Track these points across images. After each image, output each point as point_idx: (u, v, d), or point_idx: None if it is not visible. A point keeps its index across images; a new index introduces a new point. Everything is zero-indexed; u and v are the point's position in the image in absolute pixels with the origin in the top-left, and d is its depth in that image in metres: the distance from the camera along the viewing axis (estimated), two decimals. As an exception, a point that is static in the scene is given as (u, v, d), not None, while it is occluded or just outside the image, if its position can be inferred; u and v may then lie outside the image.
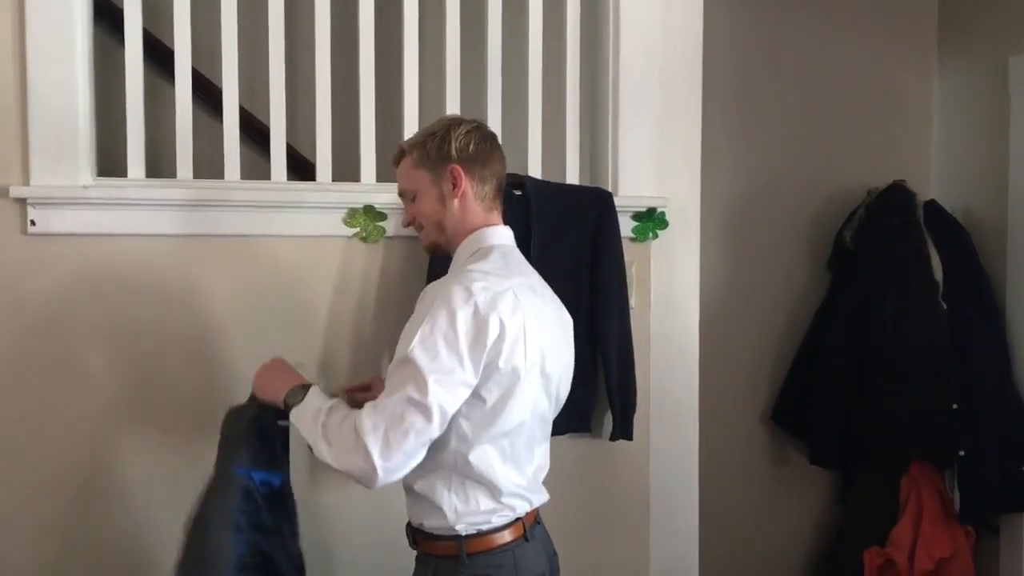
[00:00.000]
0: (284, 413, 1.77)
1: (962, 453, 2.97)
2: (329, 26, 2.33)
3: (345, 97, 2.39)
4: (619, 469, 2.50)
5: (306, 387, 1.76)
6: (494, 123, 2.42)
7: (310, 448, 1.67)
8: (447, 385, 1.59)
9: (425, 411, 1.57)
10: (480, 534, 1.70)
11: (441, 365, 1.58)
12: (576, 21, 2.50)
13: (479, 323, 1.61)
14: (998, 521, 3.12)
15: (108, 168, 2.32)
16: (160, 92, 2.51)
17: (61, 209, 2.13)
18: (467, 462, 1.66)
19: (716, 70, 2.74)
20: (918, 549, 2.98)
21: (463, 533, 1.68)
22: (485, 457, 1.67)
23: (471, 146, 1.76)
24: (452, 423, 1.64)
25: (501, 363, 1.64)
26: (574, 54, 2.50)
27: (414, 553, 1.81)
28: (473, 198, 1.77)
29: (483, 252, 1.75)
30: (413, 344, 1.59)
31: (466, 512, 1.68)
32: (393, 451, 1.57)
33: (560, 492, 2.33)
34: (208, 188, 2.23)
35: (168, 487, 2.20)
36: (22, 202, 2.11)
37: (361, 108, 2.36)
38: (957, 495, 3.04)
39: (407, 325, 1.67)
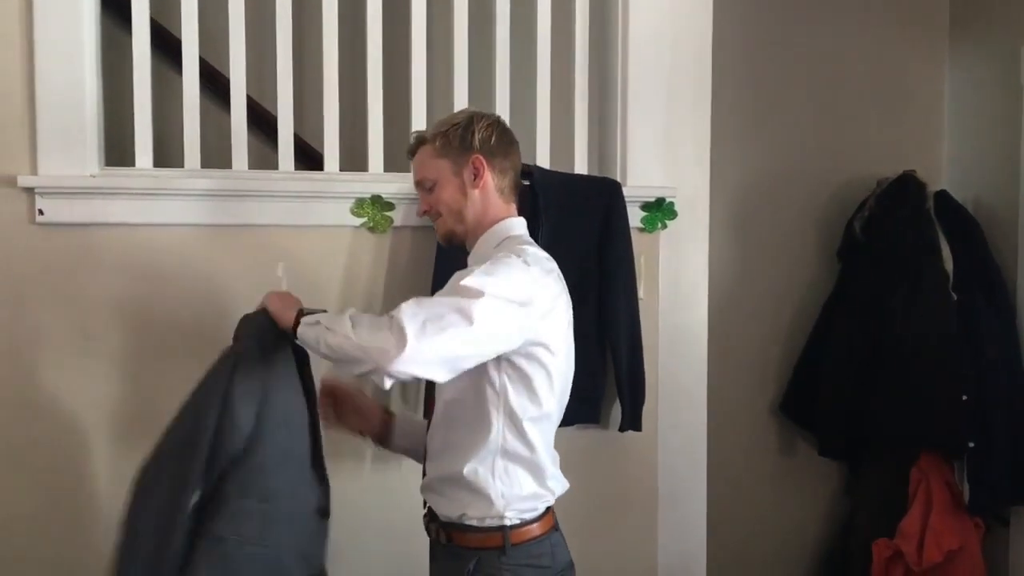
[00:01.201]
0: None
1: (972, 444, 2.96)
2: (337, 16, 2.32)
3: (353, 87, 2.39)
4: (627, 459, 2.50)
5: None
6: (502, 113, 2.41)
7: (327, 331, 1.58)
8: (498, 309, 1.58)
9: (468, 317, 1.54)
10: (523, 523, 1.71)
11: (497, 290, 1.58)
12: (585, 9, 2.49)
13: (535, 287, 1.65)
14: (1008, 513, 3.11)
15: (115, 158, 2.31)
16: (168, 82, 2.51)
17: (69, 198, 2.13)
18: (512, 441, 1.68)
19: (726, 59, 2.73)
20: (927, 541, 2.97)
21: (508, 523, 1.69)
22: (528, 437, 1.69)
23: (493, 138, 1.78)
24: (498, 401, 1.67)
25: (547, 340, 1.67)
26: (582, 43, 2.49)
27: (422, 546, 1.81)
28: (493, 189, 1.79)
29: (515, 240, 1.77)
30: (467, 277, 1.59)
31: (512, 496, 1.69)
32: (426, 338, 1.51)
33: (569, 481, 2.34)
34: (215, 178, 2.23)
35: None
36: (30, 191, 2.12)
37: (369, 98, 2.35)
38: (966, 486, 3.03)
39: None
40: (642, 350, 2.42)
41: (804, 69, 3.32)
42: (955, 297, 3.03)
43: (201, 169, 2.26)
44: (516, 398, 1.67)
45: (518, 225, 1.82)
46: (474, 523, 1.70)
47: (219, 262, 2.23)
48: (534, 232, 2.21)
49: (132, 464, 2.19)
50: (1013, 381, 3.02)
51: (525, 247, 1.72)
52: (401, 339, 1.49)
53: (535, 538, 1.71)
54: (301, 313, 1.69)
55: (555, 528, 1.77)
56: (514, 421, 1.68)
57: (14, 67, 2.11)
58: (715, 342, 2.61)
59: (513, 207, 1.84)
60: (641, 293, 2.45)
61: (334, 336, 1.57)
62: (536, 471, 1.71)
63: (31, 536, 2.17)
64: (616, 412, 2.43)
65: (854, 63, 3.36)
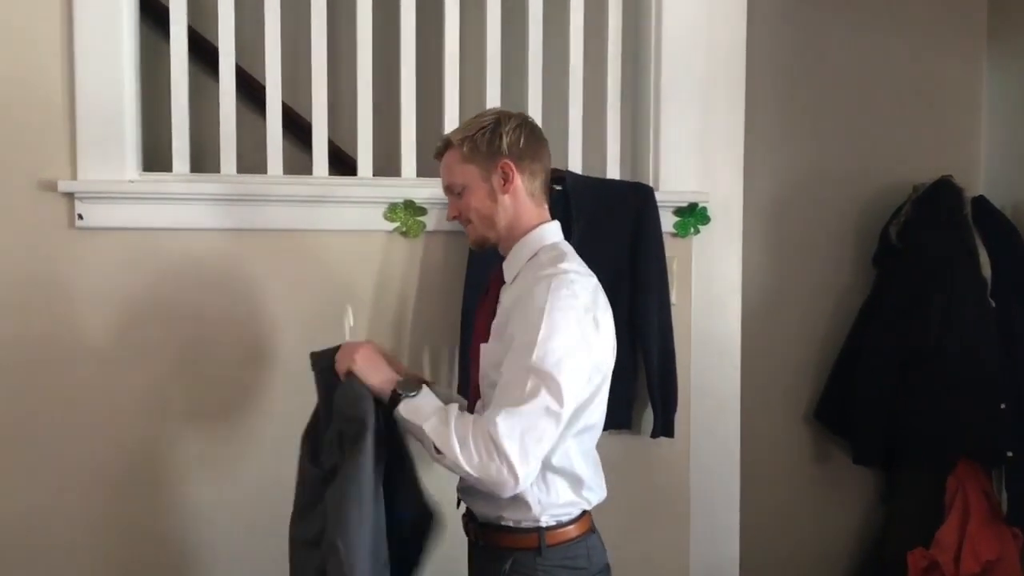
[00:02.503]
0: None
1: (1010, 454, 2.92)
2: (371, 22, 2.34)
3: (386, 93, 2.40)
4: (660, 466, 2.49)
5: (421, 382, 1.71)
6: (534, 117, 2.41)
7: (435, 448, 1.59)
8: (577, 382, 1.60)
9: (559, 419, 1.57)
10: (559, 525, 1.70)
11: (569, 366, 1.57)
12: (618, 13, 2.49)
13: (588, 320, 1.63)
14: (1047, 523, 3.06)
15: (153, 163, 2.35)
16: (204, 88, 2.54)
17: (108, 203, 2.17)
18: (553, 456, 1.65)
19: (760, 62, 2.72)
20: (964, 551, 2.93)
21: (544, 525, 1.68)
22: (568, 452, 1.67)
23: (522, 140, 1.73)
24: None
25: (597, 358, 1.65)
26: (615, 47, 2.49)
27: (462, 547, 1.82)
28: (524, 193, 1.74)
29: (553, 249, 1.74)
30: (535, 354, 1.56)
31: (549, 503, 1.68)
32: (530, 458, 1.55)
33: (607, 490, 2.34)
34: (251, 183, 2.26)
35: (214, 475, 2.25)
36: (70, 196, 2.16)
37: (402, 103, 2.37)
38: (1005, 496, 2.99)
39: (508, 328, 1.64)
40: (674, 356, 2.41)
41: (839, 72, 3.29)
42: (993, 304, 2.99)
43: (237, 174, 2.29)
44: None
45: (552, 231, 1.77)
46: (510, 524, 1.70)
47: (254, 266, 2.25)
48: (567, 237, 2.21)
49: (171, 462, 2.24)
50: (1053, 389, 2.98)
51: (564, 267, 1.66)
52: (511, 471, 1.53)
53: (572, 539, 1.70)
54: (396, 392, 1.67)
55: (592, 530, 1.75)
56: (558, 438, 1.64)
57: (55, 75, 2.15)
58: (748, 348, 2.59)
59: (545, 210, 1.79)
60: (673, 299, 2.44)
61: (449, 452, 1.57)
62: (575, 482, 1.70)
63: (79, 535, 2.20)
64: (648, 417, 2.42)
65: (890, 65, 3.32)
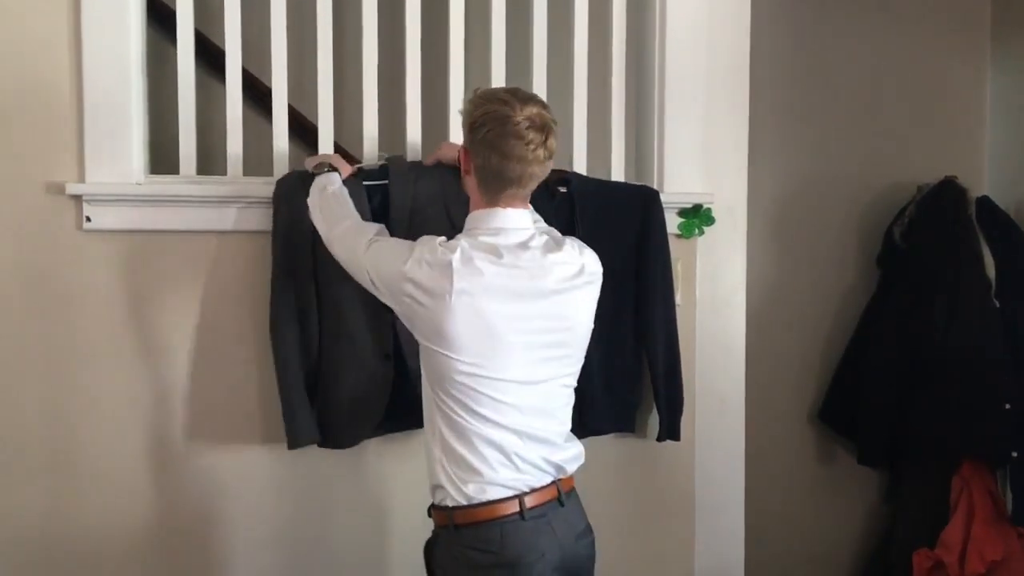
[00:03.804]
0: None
1: (1015, 454, 2.92)
2: (376, 26, 2.35)
3: (391, 96, 2.41)
4: (664, 467, 2.49)
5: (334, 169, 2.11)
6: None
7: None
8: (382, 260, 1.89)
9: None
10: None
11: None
12: (622, 16, 2.49)
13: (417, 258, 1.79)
14: (1052, 524, 3.06)
15: (159, 165, 2.36)
16: (210, 91, 2.55)
17: (115, 205, 2.18)
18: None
19: (764, 64, 2.72)
20: (969, 551, 2.94)
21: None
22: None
23: (481, 130, 1.77)
24: None
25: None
26: (619, 49, 2.50)
27: None
28: (477, 180, 1.81)
29: (472, 233, 1.84)
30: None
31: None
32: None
33: (605, 490, 2.34)
34: (257, 185, 2.26)
35: (225, 476, 2.25)
36: (78, 199, 2.17)
37: (407, 107, 2.37)
38: (1009, 496, 2.99)
39: None
40: (679, 360, 2.40)
41: (843, 73, 3.30)
42: (997, 304, 2.99)
43: (243, 176, 2.30)
44: None
45: (479, 218, 1.86)
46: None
47: (262, 268, 2.25)
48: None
49: (179, 465, 2.24)
50: (1057, 390, 2.98)
51: (454, 240, 1.80)
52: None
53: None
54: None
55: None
56: None
57: (62, 78, 2.16)
58: (753, 349, 2.59)
59: (498, 200, 1.82)
60: (678, 299, 2.44)
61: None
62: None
63: (89, 534, 2.22)
64: (652, 420, 2.43)
65: (894, 67, 3.33)
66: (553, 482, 1.79)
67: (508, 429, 1.74)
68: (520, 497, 1.74)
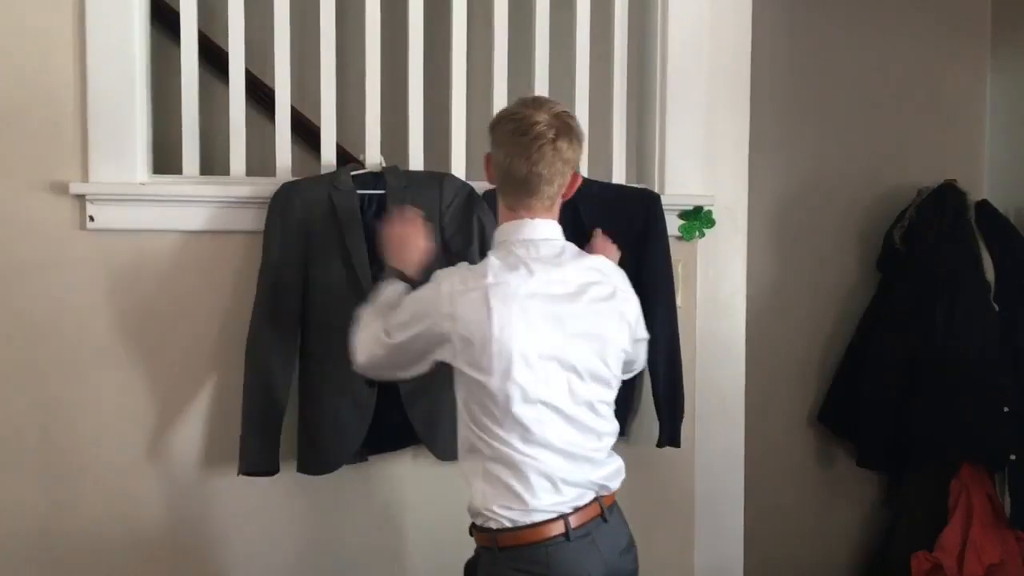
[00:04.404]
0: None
1: (1013, 457, 2.93)
2: (379, 27, 2.35)
3: (393, 97, 2.42)
4: (664, 467, 2.50)
5: (402, 276, 1.91)
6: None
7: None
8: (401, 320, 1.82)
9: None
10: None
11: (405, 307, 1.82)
12: (624, 18, 2.50)
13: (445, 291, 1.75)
14: (1050, 527, 3.07)
15: (163, 165, 2.37)
16: (213, 91, 2.56)
17: (119, 205, 2.18)
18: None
19: (765, 66, 2.73)
20: (967, 554, 2.94)
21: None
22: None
23: (501, 137, 1.77)
24: None
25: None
26: (621, 51, 2.50)
27: None
28: (500, 190, 1.80)
29: (506, 246, 1.80)
30: None
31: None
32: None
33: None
34: (260, 185, 2.27)
35: (225, 475, 2.26)
36: (81, 198, 2.17)
37: (409, 108, 2.38)
38: (1008, 499, 2.99)
39: None
40: (680, 366, 2.40)
41: (843, 77, 3.31)
42: (996, 308, 3.00)
43: (246, 176, 2.30)
44: None
45: (508, 230, 1.82)
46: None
47: (263, 268, 2.26)
48: (575, 241, 2.23)
49: (183, 462, 2.24)
50: (1056, 393, 2.98)
51: (484, 260, 1.76)
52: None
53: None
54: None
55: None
56: None
57: (66, 78, 2.16)
58: (753, 351, 2.60)
59: (519, 210, 1.79)
60: (679, 302, 2.45)
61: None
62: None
63: (89, 534, 2.22)
64: (648, 426, 2.44)
65: (894, 70, 3.34)
66: (595, 499, 1.76)
67: (553, 451, 1.70)
68: (565, 518, 1.70)
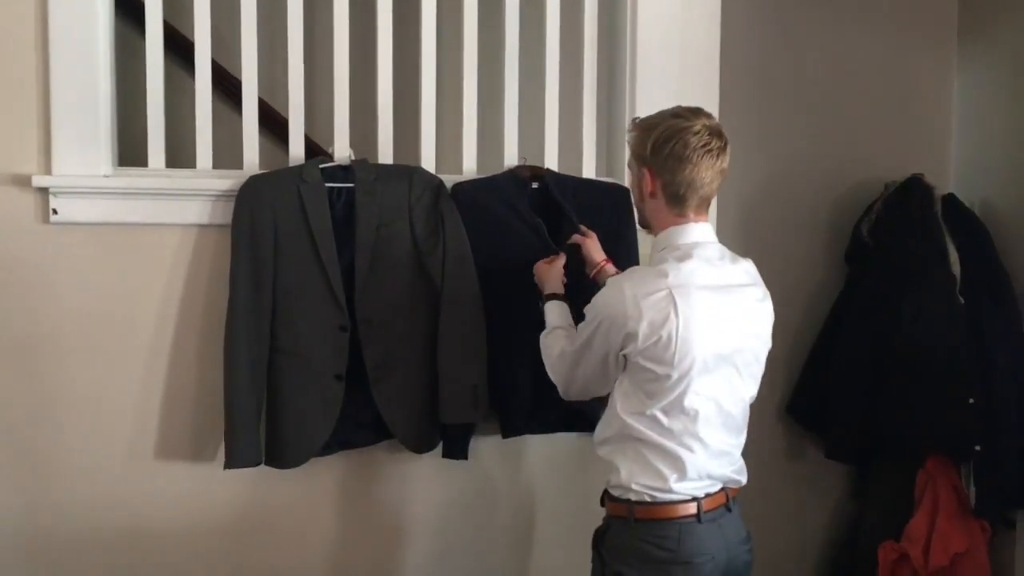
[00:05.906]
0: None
1: (978, 448, 2.96)
2: (348, 18, 2.34)
3: (363, 88, 2.41)
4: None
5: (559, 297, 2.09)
6: (510, 115, 2.43)
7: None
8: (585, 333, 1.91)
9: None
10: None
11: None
12: (593, 13, 2.50)
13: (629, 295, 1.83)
14: (1014, 516, 3.11)
15: (128, 158, 2.34)
16: (179, 83, 2.54)
17: (82, 198, 2.16)
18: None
19: (734, 63, 2.74)
20: (933, 544, 2.97)
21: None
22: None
23: (663, 151, 1.81)
24: None
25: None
26: (591, 48, 2.50)
27: None
28: (662, 199, 1.86)
29: (675, 250, 1.87)
30: None
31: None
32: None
33: (564, 486, 2.35)
34: (227, 178, 2.25)
35: (205, 469, 2.25)
36: (44, 191, 2.15)
37: (379, 100, 2.37)
38: (973, 490, 3.03)
39: None
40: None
41: (812, 72, 3.32)
42: (962, 301, 3.03)
43: (213, 169, 2.28)
44: None
45: (677, 234, 1.89)
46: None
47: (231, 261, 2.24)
48: (552, 235, 2.25)
49: (144, 459, 2.23)
50: (1020, 384, 3.02)
51: (660, 267, 1.83)
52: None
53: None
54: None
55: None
56: None
57: (29, 69, 2.14)
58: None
59: (683, 214, 1.88)
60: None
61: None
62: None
63: (70, 532, 2.20)
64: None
65: (862, 66, 3.36)
66: (722, 489, 1.89)
67: (705, 444, 1.82)
68: (698, 501, 1.83)
